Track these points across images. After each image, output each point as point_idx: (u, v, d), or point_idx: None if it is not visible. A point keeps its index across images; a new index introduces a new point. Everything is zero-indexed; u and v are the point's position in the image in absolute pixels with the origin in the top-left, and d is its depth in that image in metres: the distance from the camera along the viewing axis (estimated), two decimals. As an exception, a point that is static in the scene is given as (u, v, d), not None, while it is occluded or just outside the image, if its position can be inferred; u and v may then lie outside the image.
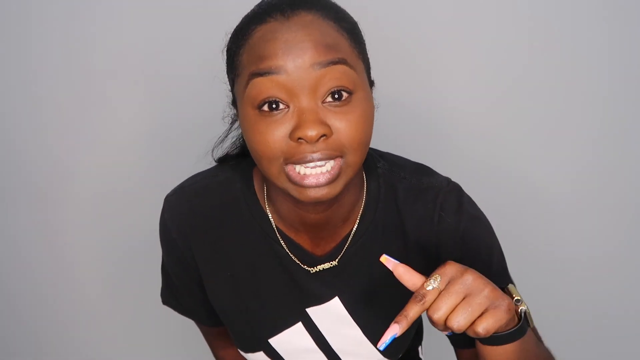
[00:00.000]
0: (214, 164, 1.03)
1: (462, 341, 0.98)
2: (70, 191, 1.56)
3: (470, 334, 0.74)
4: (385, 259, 0.77)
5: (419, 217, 0.93)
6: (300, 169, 0.78)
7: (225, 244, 0.98)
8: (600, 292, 1.49)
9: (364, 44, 0.85)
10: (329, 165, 0.78)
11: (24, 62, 1.44)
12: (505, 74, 1.33)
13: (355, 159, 0.79)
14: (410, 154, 1.01)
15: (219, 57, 0.89)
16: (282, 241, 0.95)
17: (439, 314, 0.72)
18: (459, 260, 0.77)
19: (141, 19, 1.37)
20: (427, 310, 0.73)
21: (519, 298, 0.79)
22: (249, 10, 0.84)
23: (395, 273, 0.76)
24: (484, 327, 0.72)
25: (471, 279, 0.73)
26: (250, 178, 0.97)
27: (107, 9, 1.37)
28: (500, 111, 1.37)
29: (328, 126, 0.76)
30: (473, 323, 0.72)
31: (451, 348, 1.03)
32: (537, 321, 0.89)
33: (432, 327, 0.99)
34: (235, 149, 1.02)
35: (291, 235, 0.95)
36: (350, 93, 0.78)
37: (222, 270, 0.99)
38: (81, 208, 1.58)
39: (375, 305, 0.97)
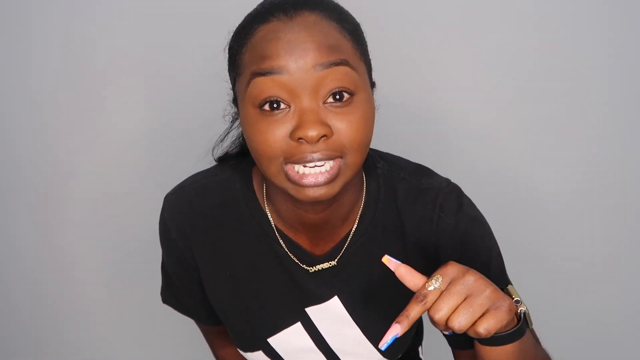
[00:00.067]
0: (214, 163, 1.03)
1: (461, 342, 0.98)
2: (69, 191, 1.55)
3: (471, 334, 0.74)
4: (387, 260, 0.77)
5: (418, 217, 0.93)
6: (299, 168, 0.78)
7: (224, 244, 0.98)
8: (600, 295, 1.49)
9: (366, 46, 0.85)
10: (328, 165, 0.78)
11: (23, 63, 1.44)
12: (506, 76, 1.33)
13: (355, 159, 0.79)
14: (411, 155, 1.01)
15: (219, 57, 0.89)
16: (281, 241, 0.95)
17: (440, 314, 0.72)
18: (458, 261, 0.77)
19: (141, 19, 1.37)
20: (429, 310, 0.73)
21: (518, 299, 0.79)
22: (250, 10, 0.84)
23: (397, 273, 0.76)
24: (485, 328, 0.72)
25: (472, 280, 0.73)
26: (250, 178, 0.97)
27: (106, 9, 1.37)
28: (500, 113, 1.37)
29: (329, 127, 0.76)
30: (474, 323, 0.72)
31: (451, 348, 1.03)
32: (536, 323, 0.88)
33: (433, 327, 0.99)
34: (235, 148, 1.02)
35: (290, 235, 0.95)
36: (351, 94, 0.77)
37: (221, 269, 0.99)
38: (81, 208, 1.57)
39: (374, 305, 0.97)
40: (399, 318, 0.72)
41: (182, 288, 1.06)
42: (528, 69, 1.32)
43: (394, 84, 1.12)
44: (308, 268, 0.95)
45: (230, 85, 0.88)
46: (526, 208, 1.44)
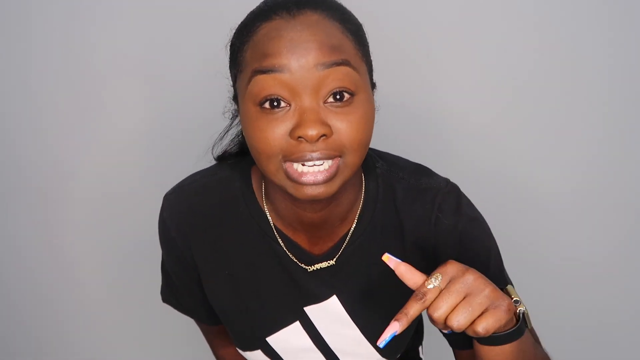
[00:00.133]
0: (213, 163, 1.03)
1: (461, 342, 0.98)
2: (69, 190, 1.55)
3: (470, 333, 0.74)
4: (387, 258, 0.77)
5: (417, 217, 0.92)
6: (298, 166, 0.78)
7: (223, 243, 0.97)
8: (599, 295, 1.49)
9: (368, 46, 0.85)
10: (327, 164, 0.78)
11: (23, 63, 1.44)
12: (506, 77, 1.33)
13: (353, 159, 0.79)
14: (410, 155, 1.01)
15: (218, 57, 0.89)
16: (280, 240, 0.95)
17: (439, 313, 0.72)
18: (457, 260, 0.77)
19: (140, 19, 1.37)
20: (428, 308, 0.73)
21: (517, 299, 0.79)
22: (251, 9, 0.84)
23: (396, 272, 0.76)
24: (483, 327, 0.72)
25: (472, 279, 0.73)
26: (249, 177, 0.97)
27: (106, 9, 1.36)
28: (500, 113, 1.37)
29: (328, 126, 0.76)
30: (473, 322, 0.72)
31: (451, 348, 1.03)
32: (535, 324, 0.88)
33: (433, 327, 0.99)
34: (234, 147, 1.02)
35: (289, 234, 0.95)
36: (352, 94, 0.77)
37: (220, 268, 0.99)
38: (80, 207, 1.57)
39: (373, 304, 0.97)
40: (398, 316, 0.73)
41: (181, 287, 1.06)
42: (528, 69, 1.32)
43: (394, 84, 1.12)
44: (307, 267, 0.95)
45: (231, 83, 0.88)
46: (526, 208, 1.44)
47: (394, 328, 0.72)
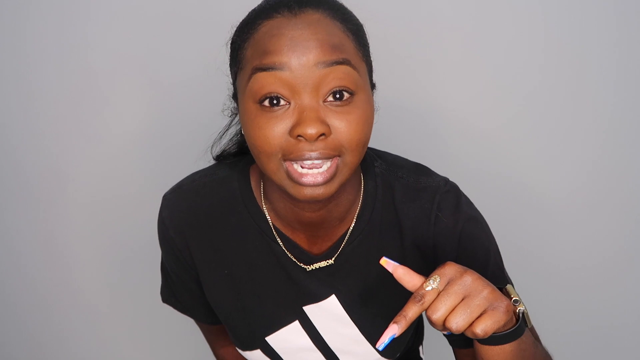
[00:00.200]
0: (212, 163, 1.02)
1: (461, 341, 0.97)
2: (68, 190, 1.55)
3: (469, 334, 0.73)
4: (385, 262, 0.76)
5: (416, 216, 0.92)
6: (298, 167, 0.78)
7: (222, 242, 0.97)
8: (600, 298, 1.49)
9: (368, 47, 0.85)
10: (326, 165, 0.77)
11: (22, 65, 1.43)
12: (507, 79, 1.33)
13: (352, 159, 0.79)
14: (410, 155, 1.01)
15: (218, 56, 0.88)
16: (278, 239, 0.94)
17: (437, 315, 0.71)
18: (456, 260, 0.77)
19: (139, 19, 1.36)
20: (426, 310, 0.72)
21: (517, 298, 0.78)
22: (251, 8, 0.84)
23: (395, 275, 0.76)
24: (482, 329, 0.71)
25: (470, 280, 0.72)
26: (248, 176, 0.96)
27: (105, 9, 1.36)
28: (499, 114, 1.36)
29: (327, 125, 0.76)
30: (472, 324, 0.72)
31: (451, 348, 1.02)
32: (535, 325, 0.88)
33: (432, 327, 0.99)
34: (233, 146, 1.02)
35: (288, 233, 0.94)
36: (351, 94, 0.77)
37: (219, 268, 0.98)
38: (79, 209, 1.56)
39: (372, 304, 0.97)
40: (397, 318, 0.72)
41: (180, 287, 1.06)
42: (529, 70, 1.32)
43: (394, 85, 1.12)
44: (305, 267, 0.95)
45: (231, 81, 0.88)
46: (525, 209, 1.43)
47: (393, 330, 0.72)
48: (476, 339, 0.78)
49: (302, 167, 0.77)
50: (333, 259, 0.94)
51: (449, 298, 0.71)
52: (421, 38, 1.31)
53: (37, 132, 1.49)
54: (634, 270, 1.46)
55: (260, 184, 0.95)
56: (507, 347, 0.77)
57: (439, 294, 0.72)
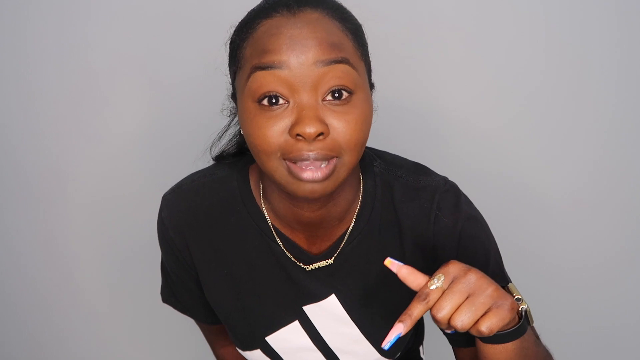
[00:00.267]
0: (212, 163, 1.02)
1: (462, 341, 0.97)
2: (68, 190, 1.55)
3: (474, 332, 0.73)
4: (390, 262, 0.76)
5: (415, 216, 0.92)
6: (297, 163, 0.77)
7: (222, 242, 0.97)
8: (601, 298, 1.49)
9: (367, 47, 0.85)
10: (324, 163, 0.77)
11: (21, 66, 1.43)
12: (506, 78, 1.32)
13: (350, 159, 0.79)
14: (409, 155, 1.00)
15: (217, 57, 0.88)
16: (278, 239, 0.94)
17: (442, 313, 0.71)
18: (456, 259, 0.77)
19: (139, 19, 1.36)
20: (431, 309, 0.72)
21: (519, 297, 0.78)
22: (251, 7, 0.83)
23: (399, 275, 0.75)
24: (487, 326, 0.71)
25: (474, 278, 0.72)
26: (247, 176, 0.96)
27: (104, 10, 1.36)
28: (499, 114, 1.36)
29: (326, 125, 0.75)
30: (476, 322, 0.72)
31: (452, 348, 1.02)
32: (535, 325, 0.88)
33: (434, 327, 0.98)
34: (232, 147, 1.01)
35: (287, 233, 0.94)
36: (350, 93, 0.77)
37: (219, 268, 0.98)
38: (78, 209, 1.56)
39: (372, 303, 0.96)
40: (402, 317, 0.72)
41: (180, 287, 1.05)
42: (530, 71, 1.31)
43: (395, 85, 1.13)
44: (305, 266, 0.94)
45: (230, 81, 0.87)
46: (526, 209, 1.43)
47: (399, 329, 0.71)
48: (479, 338, 0.78)
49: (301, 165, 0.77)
50: (332, 258, 0.94)
51: (454, 296, 0.71)
52: (422, 38, 1.31)
53: (37, 132, 1.49)
54: (635, 271, 1.46)
55: (260, 183, 0.95)
56: (510, 346, 0.77)
57: (443, 293, 0.72)
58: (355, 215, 0.93)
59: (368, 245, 0.93)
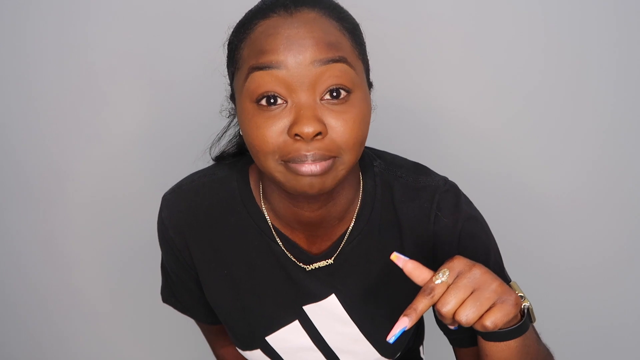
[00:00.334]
0: (212, 163, 1.01)
1: (462, 340, 0.97)
2: (68, 190, 1.54)
3: (478, 328, 0.73)
4: (396, 257, 0.76)
5: (415, 215, 0.91)
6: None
7: (222, 242, 0.96)
8: (598, 296, 1.49)
9: (365, 46, 0.84)
10: (323, 162, 0.77)
11: (21, 66, 1.43)
12: (505, 77, 1.32)
13: (349, 158, 0.78)
14: (409, 155, 1.00)
15: (217, 57, 0.88)
16: (278, 239, 0.94)
17: (447, 308, 0.71)
18: None
19: (139, 18, 1.35)
20: (436, 304, 0.72)
21: (522, 294, 0.78)
22: (250, 8, 0.83)
23: (405, 270, 0.75)
24: (492, 321, 0.71)
25: (479, 274, 0.72)
26: (247, 176, 0.96)
27: (104, 9, 1.35)
28: (499, 114, 1.36)
29: (324, 124, 0.75)
30: (481, 317, 0.72)
31: (452, 348, 1.02)
32: (535, 324, 0.87)
33: (434, 327, 0.98)
34: (232, 147, 1.01)
35: (287, 233, 0.94)
36: (348, 92, 0.77)
37: (219, 268, 0.98)
38: (78, 209, 1.56)
39: (372, 303, 0.96)
40: (407, 311, 0.72)
41: (180, 286, 1.05)
42: (529, 70, 1.31)
43: (395, 85, 1.13)
44: (305, 266, 0.94)
45: (228, 81, 0.87)
46: (525, 208, 1.43)
47: (404, 323, 0.71)
48: (481, 336, 0.78)
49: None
50: (332, 258, 0.93)
51: (459, 291, 0.71)
52: (421, 38, 1.31)
53: (37, 132, 1.48)
54: (634, 270, 1.45)
55: (260, 184, 0.94)
56: (512, 344, 0.77)
57: (448, 287, 0.72)
58: (355, 215, 0.92)
59: (368, 245, 0.93)
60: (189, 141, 1.19)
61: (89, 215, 1.56)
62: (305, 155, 0.75)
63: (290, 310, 0.97)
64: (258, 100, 0.76)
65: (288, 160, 0.76)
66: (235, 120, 0.96)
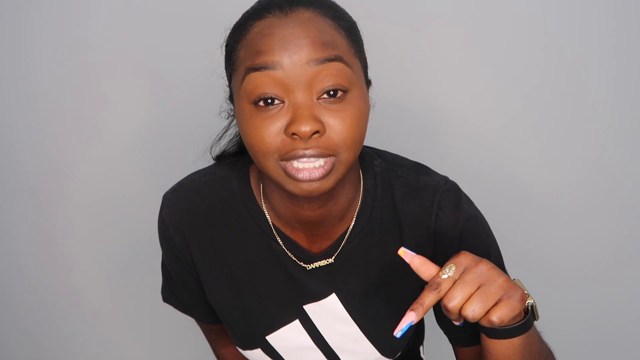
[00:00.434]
0: (212, 162, 1.01)
1: (463, 340, 0.97)
2: (68, 190, 1.54)
3: (484, 323, 0.72)
4: (403, 252, 0.76)
5: (416, 215, 0.91)
6: (294, 162, 0.77)
7: (222, 242, 0.96)
8: (602, 296, 1.49)
9: (362, 43, 0.84)
10: (322, 160, 0.76)
11: (21, 65, 1.42)
12: (505, 77, 1.32)
13: (348, 156, 0.78)
14: (409, 154, 0.99)
15: (217, 56, 0.88)
16: (278, 238, 0.93)
17: (454, 303, 0.71)
18: None
19: (139, 18, 1.35)
20: (442, 299, 0.72)
21: (526, 292, 0.77)
22: (248, 7, 0.83)
23: (412, 265, 0.75)
24: (498, 316, 0.71)
25: (485, 269, 0.72)
26: (247, 176, 0.95)
27: (104, 10, 1.35)
28: (499, 113, 1.36)
29: (321, 123, 0.75)
30: (487, 312, 0.71)
31: (452, 348, 1.01)
32: (535, 323, 0.86)
33: (433, 327, 0.97)
34: (233, 146, 1.00)
35: (288, 232, 0.93)
36: (345, 90, 0.76)
37: (219, 267, 0.97)
38: (79, 209, 1.55)
39: (372, 302, 0.95)
40: (414, 306, 0.72)
41: (181, 286, 1.04)
42: (529, 70, 1.31)
43: (395, 84, 1.13)
44: (305, 266, 0.93)
45: (227, 83, 0.87)
46: (525, 208, 1.43)
47: (410, 318, 0.71)
48: (485, 333, 0.78)
49: (299, 163, 0.76)
50: (333, 257, 0.93)
51: (465, 286, 0.71)
52: (421, 38, 1.30)
53: (37, 132, 1.48)
54: (634, 270, 1.45)
55: (260, 183, 0.94)
56: (515, 341, 0.76)
57: (454, 283, 0.72)
58: (355, 214, 0.92)
59: (369, 245, 0.92)
60: (189, 141, 1.18)
61: (89, 215, 1.55)
62: (304, 153, 0.75)
63: (291, 309, 0.96)
64: (255, 102, 0.76)
65: (287, 159, 0.76)
66: (235, 121, 0.95)
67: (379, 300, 0.95)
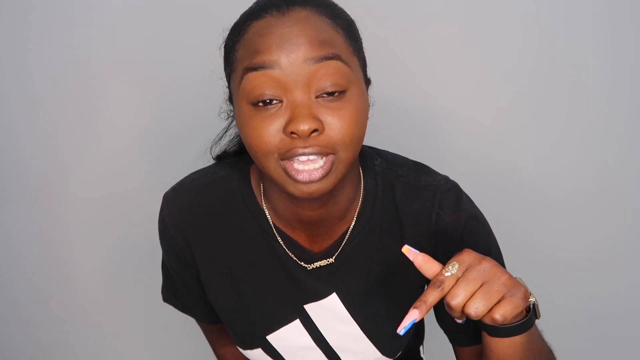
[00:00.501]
0: (212, 162, 1.01)
1: (463, 339, 0.96)
2: (68, 190, 1.54)
3: (487, 321, 0.72)
4: (407, 249, 0.76)
5: (416, 215, 0.91)
6: (294, 163, 0.76)
7: (223, 241, 0.95)
8: (601, 292, 1.49)
9: (360, 42, 0.84)
10: (322, 161, 0.76)
11: (22, 64, 1.42)
12: (505, 75, 1.32)
13: (347, 155, 0.77)
14: (410, 154, 0.99)
15: (217, 56, 0.87)
16: (279, 238, 0.93)
17: (457, 300, 0.70)
18: None
19: (138, 18, 1.35)
20: (445, 296, 0.72)
21: (528, 290, 0.77)
22: (247, 8, 0.83)
23: (415, 263, 0.75)
24: (501, 314, 0.70)
25: (488, 267, 0.72)
26: (248, 175, 0.95)
27: (105, 10, 1.35)
28: (497, 111, 1.36)
29: (320, 121, 0.74)
30: (490, 310, 0.71)
31: (452, 348, 1.01)
32: (538, 322, 0.86)
33: (433, 327, 0.97)
34: (234, 146, 1.00)
35: (288, 232, 0.93)
36: (343, 89, 0.76)
37: (219, 267, 0.97)
38: (79, 208, 1.55)
39: (373, 302, 0.95)
40: (417, 303, 0.71)
41: (181, 286, 1.04)
42: (527, 67, 1.31)
43: (394, 84, 1.12)
44: (306, 265, 0.93)
45: (226, 83, 0.86)
46: (525, 207, 1.43)
47: (414, 315, 0.71)
48: (487, 332, 0.78)
49: (298, 163, 0.76)
50: (334, 257, 0.92)
51: (468, 284, 0.70)
52: (421, 38, 1.31)
53: (38, 130, 1.48)
54: (634, 264, 1.45)
55: (260, 183, 0.94)
56: (517, 340, 0.76)
57: (457, 280, 0.71)
58: (356, 213, 0.91)
59: (369, 244, 0.92)
60: (189, 140, 1.18)
61: (89, 215, 1.55)
62: (303, 152, 0.75)
63: (291, 309, 0.96)
64: (254, 102, 0.76)
65: (286, 158, 0.75)
66: (234, 121, 0.95)
67: (379, 300, 0.94)
